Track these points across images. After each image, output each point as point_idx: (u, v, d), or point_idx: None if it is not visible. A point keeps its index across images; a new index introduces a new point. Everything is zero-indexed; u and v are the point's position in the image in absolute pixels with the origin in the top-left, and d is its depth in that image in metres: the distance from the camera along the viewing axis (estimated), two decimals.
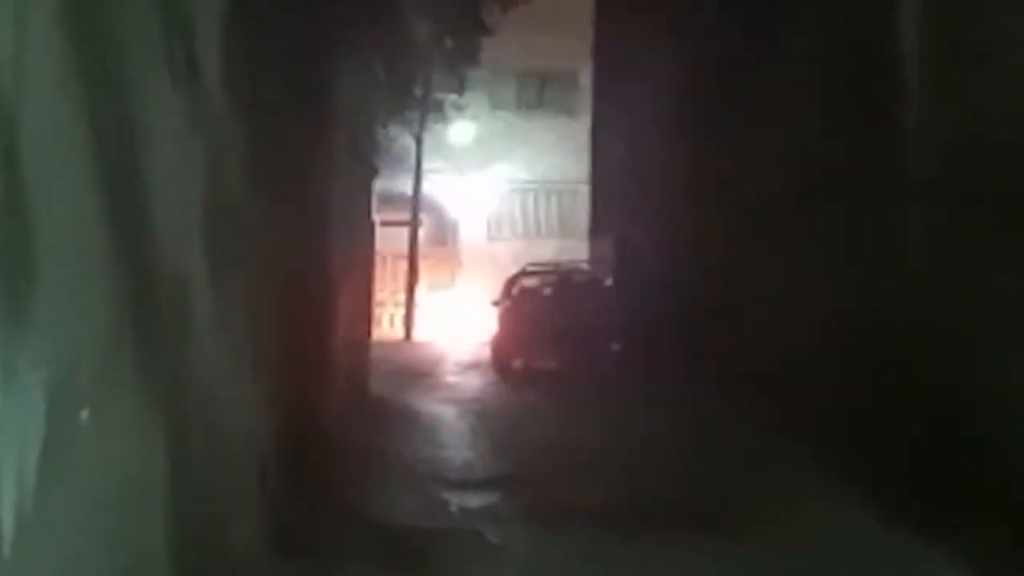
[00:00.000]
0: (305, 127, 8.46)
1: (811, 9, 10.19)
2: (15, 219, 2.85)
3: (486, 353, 17.78)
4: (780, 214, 10.64)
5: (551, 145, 26.55)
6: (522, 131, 26.89)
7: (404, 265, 24.54)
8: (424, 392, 14.63)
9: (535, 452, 9.95)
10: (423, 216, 25.57)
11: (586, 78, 23.72)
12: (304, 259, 8.42)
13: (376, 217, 16.02)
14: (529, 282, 18.67)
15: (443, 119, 24.98)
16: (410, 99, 22.91)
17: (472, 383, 16.04)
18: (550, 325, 16.39)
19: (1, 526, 2.78)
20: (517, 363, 16.94)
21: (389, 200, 20.50)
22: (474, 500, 8.36)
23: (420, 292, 24.74)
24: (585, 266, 20.43)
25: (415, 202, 24.86)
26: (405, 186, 24.33)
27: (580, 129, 23.85)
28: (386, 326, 23.73)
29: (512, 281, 18.69)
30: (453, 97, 24.60)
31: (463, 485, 8.89)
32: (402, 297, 24.58)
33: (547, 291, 18.23)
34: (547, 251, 23.47)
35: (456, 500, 8.34)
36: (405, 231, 24.49)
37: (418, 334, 23.79)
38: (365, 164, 14.19)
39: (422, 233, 25.48)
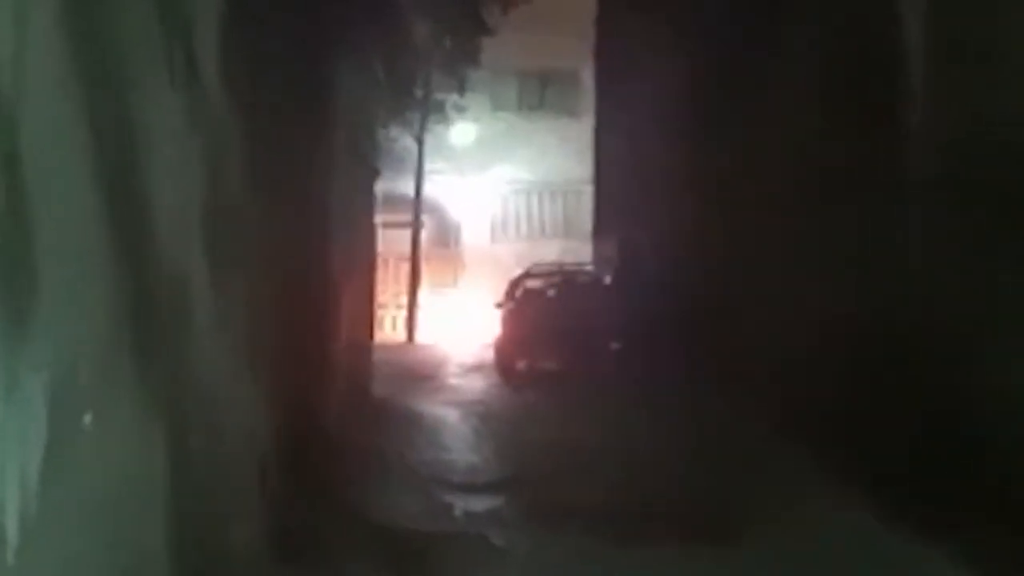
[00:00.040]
0: (305, 128, 8.45)
1: (812, 9, 10.18)
2: (15, 220, 2.84)
3: (489, 355, 17.76)
4: (780, 214, 10.64)
5: (553, 146, 26.51)
6: (524, 132, 26.85)
7: (406, 267, 24.53)
8: (426, 395, 14.60)
9: (538, 454, 9.94)
10: (425, 218, 25.57)
11: (588, 78, 23.72)
12: (304, 260, 8.41)
13: (378, 219, 15.99)
14: (533, 283, 18.64)
15: (444, 120, 24.99)
16: (411, 100, 22.92)
17: (475, 386, 16.02)
18: (554, 327, 16.38)
19: (5, 531, 2.77)
20: (521, 364, 16.92)
21: (391, 202, 20.46)
22: (476, 502, 8.35)
23: (422, 294, 24.73)
24: (589, 267, 20.40)
25: (417, 203, 24.86)
26: (407, 187, 24.32)
27: (582, 130, 23.83)
28: (388, 328, 23.70)
29: (516, 283, 18.66)
30: (454, 98, 24.61)
31: (465, 487, 8.88)
32: (404, 299, 24.57)
33: (551, 292, 18.20)
34: (550, 252, 23.42)
35: (459, 502, 8.34)
36: (407, 233, 24.49)
37: (420, 336, 23.78)
38: (366, 165, 14.18)
39: (424, 235, 25.47)
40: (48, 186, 3.05)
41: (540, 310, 17.32)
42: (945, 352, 7.52)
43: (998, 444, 6.89)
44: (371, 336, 15.03)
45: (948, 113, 7.69)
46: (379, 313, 19.85)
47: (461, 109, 25.11)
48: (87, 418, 3.29)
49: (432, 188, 25.61)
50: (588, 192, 23.52)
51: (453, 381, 16.68)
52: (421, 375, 16.78)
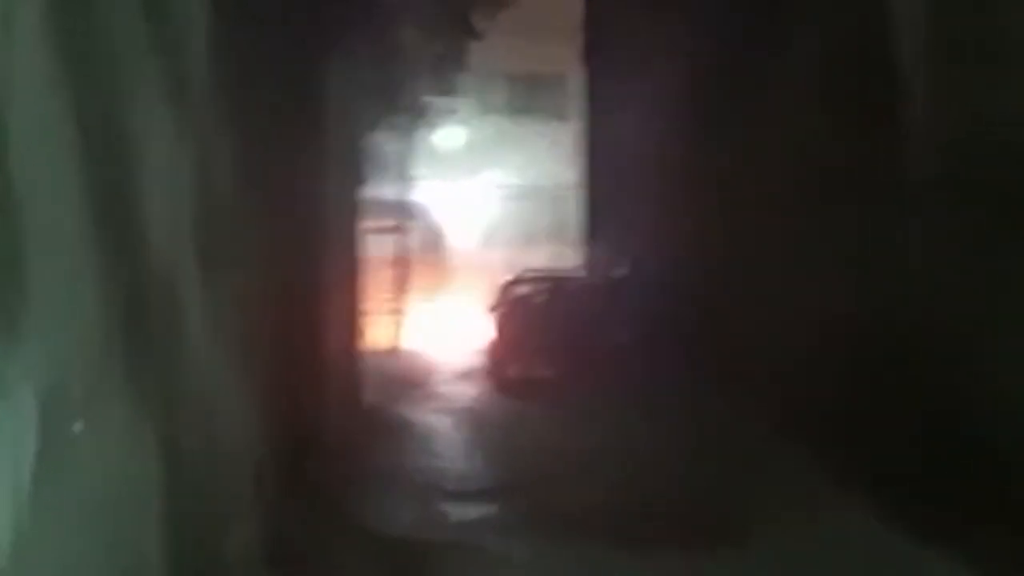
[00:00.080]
0: (293, 132, 8.40)
1: (811, 9, 10.15)
2: (4, 225, 2.82)
3: (479, 362, 17.68)
4: (779, 214, 10.61)
5: (543, 150, 26.51)
6: (513, 136, 26.84)
7: (394, 272, 24.44)
8: (415, 402, 14.52)
9: (534, 460, 9.88)
10: (413, 223, 25.50)
11: (577, 82, 23.69)
12: (292, 267, 8.36)
13: (365, 224, 15.90)
14: (524, 289, 18.59)
15: (433, 124, 24.93)
16: (399, 104, 22.84)
17: (465, 393, 15.94)
18: (546, 332, 16.34)
19: None
20: (512, 370, 16.85)
21: (378, 207, 20.39)
22: (470, 509, 8.28)
23: (410, 300, 24.63)
24: (580, 272, 20.36)
25: (405, 208, 24.78)
26: (394, 192, 24.25)
27: (572, 133, 23.82)
28: (376, 335, 23.56)
29: (507, 288, 18.61)
30: (443, 101, 24.54)
31: (458, 495, 8.80)
32: (392, 305, 24.46)
33: (542, 297, 18.15)
34: (540, 257, 23.38)
35: (452, 510, 8.27)
36: (394, 238, 24.41)
37: (408, 343, 23.67)
38: (353, 170, 14.11)
39: (412, 240, 25.40)
40: (37, 192, 3.03)
41: (531, 315, 17.27)
42: (945, 352, 7.53)
43: (998, 444, 6.90)
44: (358, 342, 14.91)
45: (948, 113, 7.69)
46: (366, 319, 19.75)
47: (450, 113, 25.06)
48: (78, 424, 3.28)
49: (420, 193, 25.55)
50: (578, 196, 23.49)
51: (442, 388, 16.59)
52: (410, 382, 16.69)
